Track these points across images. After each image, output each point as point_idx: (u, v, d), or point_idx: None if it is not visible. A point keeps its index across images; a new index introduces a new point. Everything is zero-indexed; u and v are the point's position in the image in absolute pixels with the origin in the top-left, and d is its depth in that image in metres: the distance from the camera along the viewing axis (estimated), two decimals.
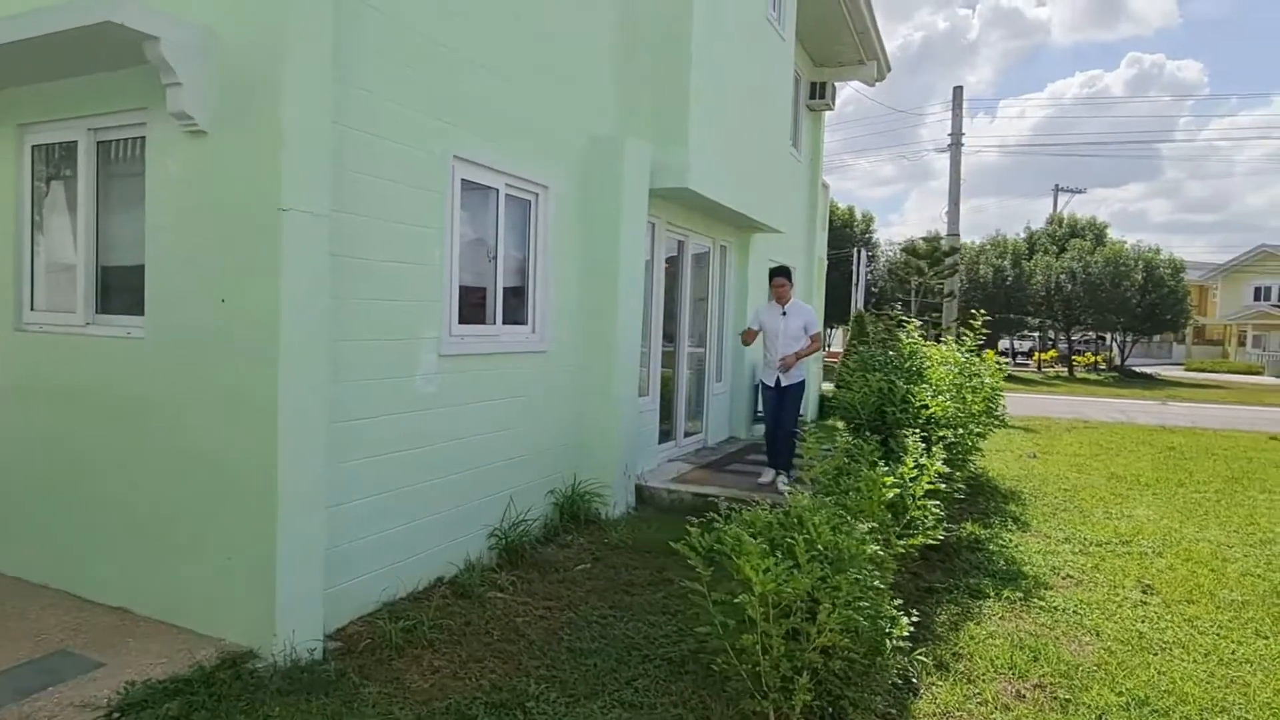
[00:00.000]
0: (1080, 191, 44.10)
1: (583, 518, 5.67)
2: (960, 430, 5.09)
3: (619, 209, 5.85)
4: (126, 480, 3.81)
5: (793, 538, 2.83)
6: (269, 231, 3.34)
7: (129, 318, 3.88)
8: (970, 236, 35.93)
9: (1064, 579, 4.94)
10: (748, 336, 6.72)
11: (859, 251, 17.81)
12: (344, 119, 3.69)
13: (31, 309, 4.28)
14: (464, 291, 4.66)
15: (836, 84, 12.42)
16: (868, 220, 34.36)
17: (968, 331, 5.95)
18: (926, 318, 17.23)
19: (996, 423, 5.28)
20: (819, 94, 11.96)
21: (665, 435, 7.69)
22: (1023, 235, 39.10)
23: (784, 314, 6.46)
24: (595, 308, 5.93)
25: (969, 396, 5.43)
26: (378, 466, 4.01)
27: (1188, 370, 38.56)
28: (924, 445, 4.81)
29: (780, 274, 6.59)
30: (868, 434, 5.25)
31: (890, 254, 32.72)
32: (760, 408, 9.64)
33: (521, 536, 5.02)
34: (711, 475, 7.04)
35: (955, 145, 18.87)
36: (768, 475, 6.67)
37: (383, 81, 3.91)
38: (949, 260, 18.02)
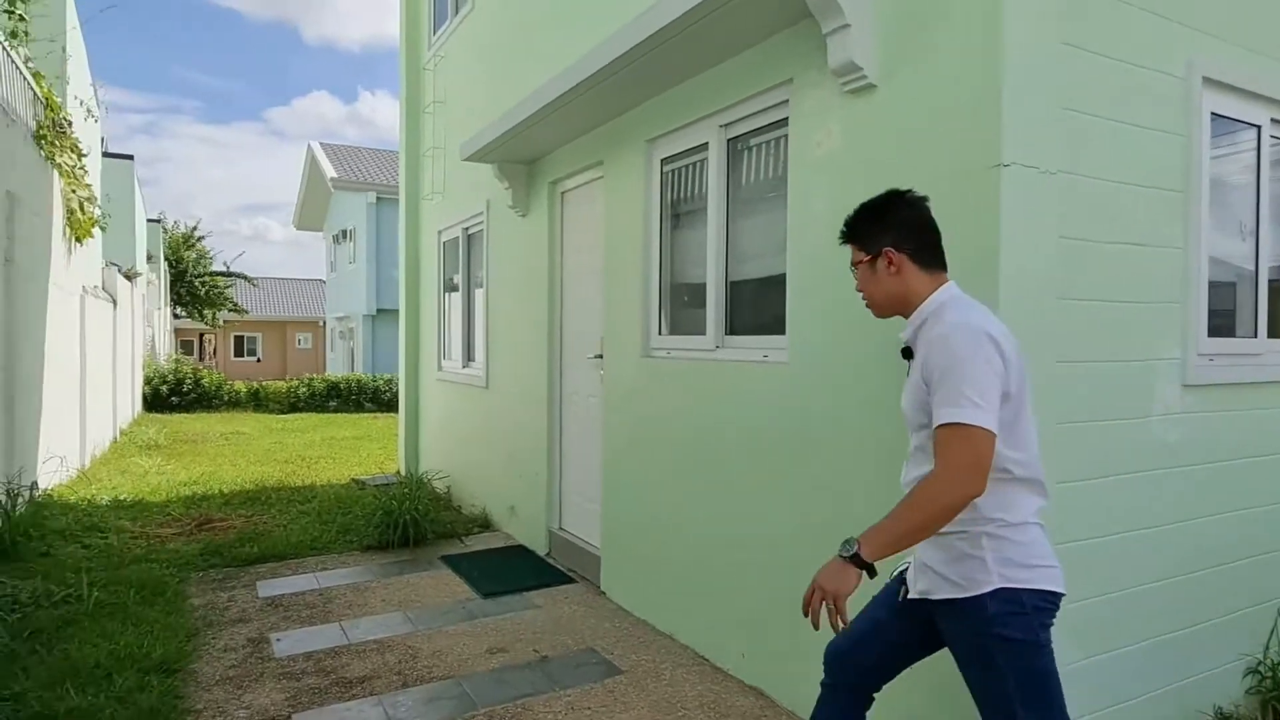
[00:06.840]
0: None
1: None
2: None
3: None
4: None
5: None
6: (982, 194, 2.27)
7: (768, 338, 3.24)
8: None
9: None
10: None
11: None
12: (1068, 33, 2.45)
13: (659, 334, 4.03)
14: (1210, 289, 2.97)
15: None
16: None
17: None
18: None
19: None
20: None
21: None
22: None
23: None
24: None
25: None
26: (1099, 553, 2.61)
27: None
28: None
29: None
30: None
31: None
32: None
33: None
34: None
35: None
36: None
37: None
38: None
